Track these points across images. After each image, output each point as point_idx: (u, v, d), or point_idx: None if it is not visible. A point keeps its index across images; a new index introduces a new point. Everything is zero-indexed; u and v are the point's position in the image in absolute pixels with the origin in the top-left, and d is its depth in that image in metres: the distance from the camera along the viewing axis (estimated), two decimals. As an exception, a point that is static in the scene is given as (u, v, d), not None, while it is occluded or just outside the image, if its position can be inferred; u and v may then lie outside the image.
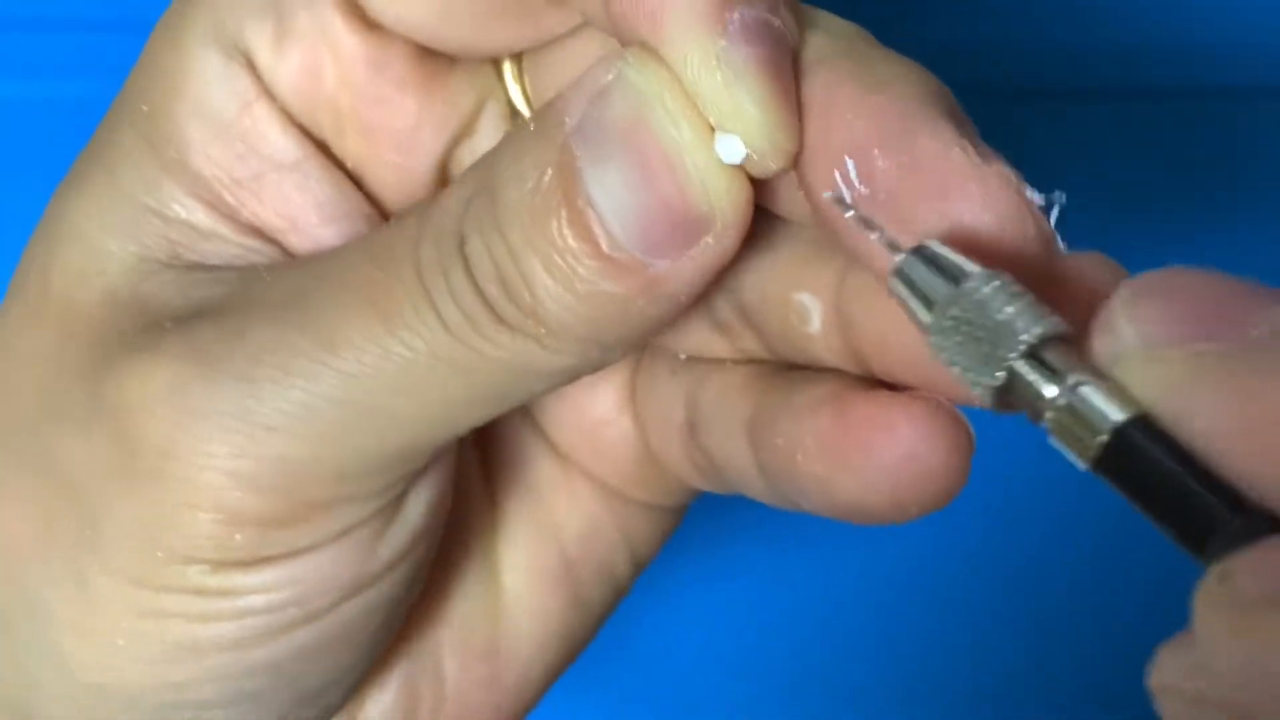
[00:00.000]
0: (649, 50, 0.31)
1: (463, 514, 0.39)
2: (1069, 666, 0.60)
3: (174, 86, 0.36)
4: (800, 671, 0.61)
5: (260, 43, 0.35)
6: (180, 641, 0.34)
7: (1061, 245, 0.30)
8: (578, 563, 0.41)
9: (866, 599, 0.61)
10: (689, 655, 0.60)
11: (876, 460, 0.32)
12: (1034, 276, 0.29)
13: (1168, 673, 0.25)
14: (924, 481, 0.32)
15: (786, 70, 0.31)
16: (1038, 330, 0.28)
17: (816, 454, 0.33)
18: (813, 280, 0.34)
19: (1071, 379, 0.27)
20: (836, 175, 0.30)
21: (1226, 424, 0.25)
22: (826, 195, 0.31)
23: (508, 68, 0.37)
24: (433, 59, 0.36)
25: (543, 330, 0.31)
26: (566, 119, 0.31)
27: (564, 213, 0.31)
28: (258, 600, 0.34)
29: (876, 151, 0.30)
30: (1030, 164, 0.57)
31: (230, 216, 0.36)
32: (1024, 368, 0.28)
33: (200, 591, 0.33)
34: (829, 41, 0.32)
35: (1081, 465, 0.27)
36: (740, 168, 0.31)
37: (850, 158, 0.30)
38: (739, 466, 0.36)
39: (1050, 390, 0.27)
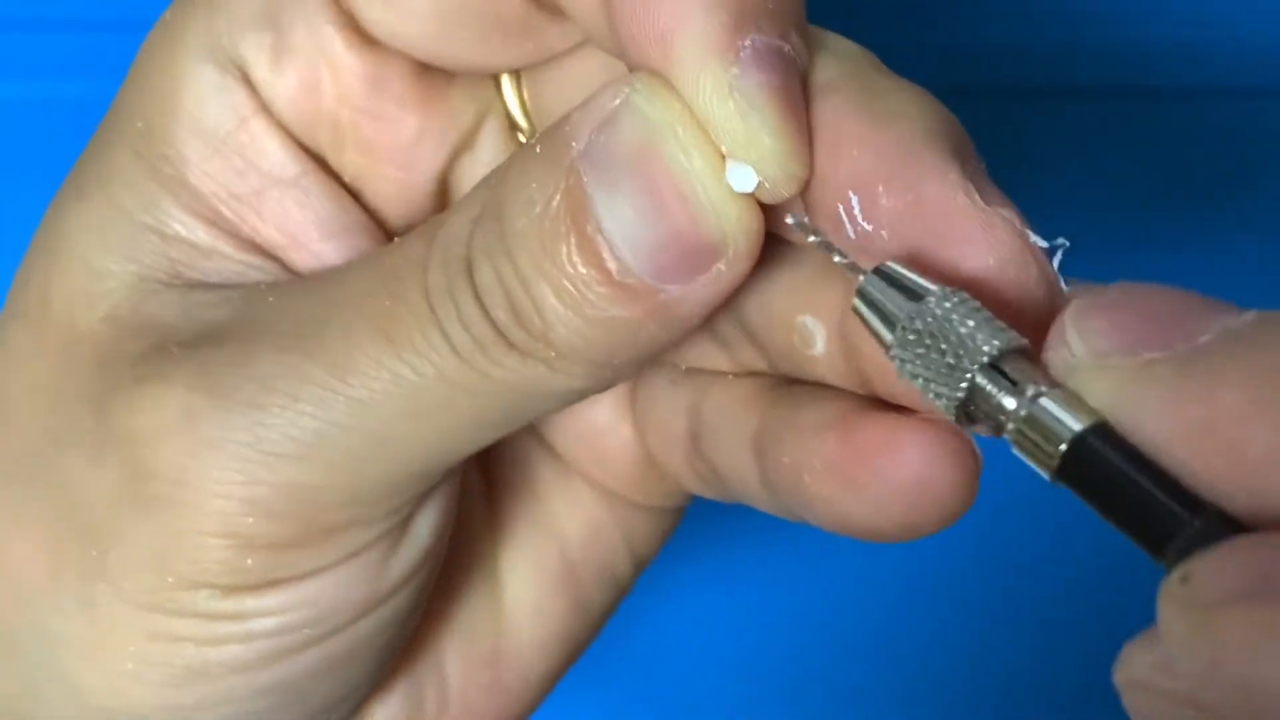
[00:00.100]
0: (658, 77, 0.31)
1: (464, 521, 0.39)
2: (1069, 667, 0.60)
3: (169, 102, 0.35)
4: (800, 672, 0.61)
5: (257, 58, 0.35)
6: (190, 665, 0.34)
7: (1065, 287, 0.30)
8: (579, 565, 0.41)
9: (866, 600, 0.61)
10: (689, 655, 0.60)
11: (886, 483, 0.32)
12: (1036, 320, 0.29)
13: (1133, 669, 0.25)
14: (934, 503, 0.32)
15: (798, 97, 0.31)
16: (997, 343, 0.28)
17: (824, 476, 0.33)
18: (817, 303, 0.34)
19: (1031, 390, 0.28)
20: (840, 209, 0.31)
21: (1176, 426, 0.26)
22: (789, 220, 0.31)
23: (506, 81, 0.37)
24: (432, 74, 0.36)
25: (553, 354, 0.31)
26: (574, 143, 0.31)
27: (573, 239, 0.30)
28: (268, 623, 0.34)
29: (881, 189, 0.30)
30: (1030, 164, 0.57)
31: (230, 233, 0.36)
32: (984, 381, 0.28)
33: (211, 615, 0.33)
34: (837, 66, 0.32)
35: (1045, 475, 0.27)
36: (751, 195, 0.31)
37: (855, 193, 0.30)
38: (743, 480, 0.36)
39: (1010, 402, 0.28)
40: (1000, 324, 0.29)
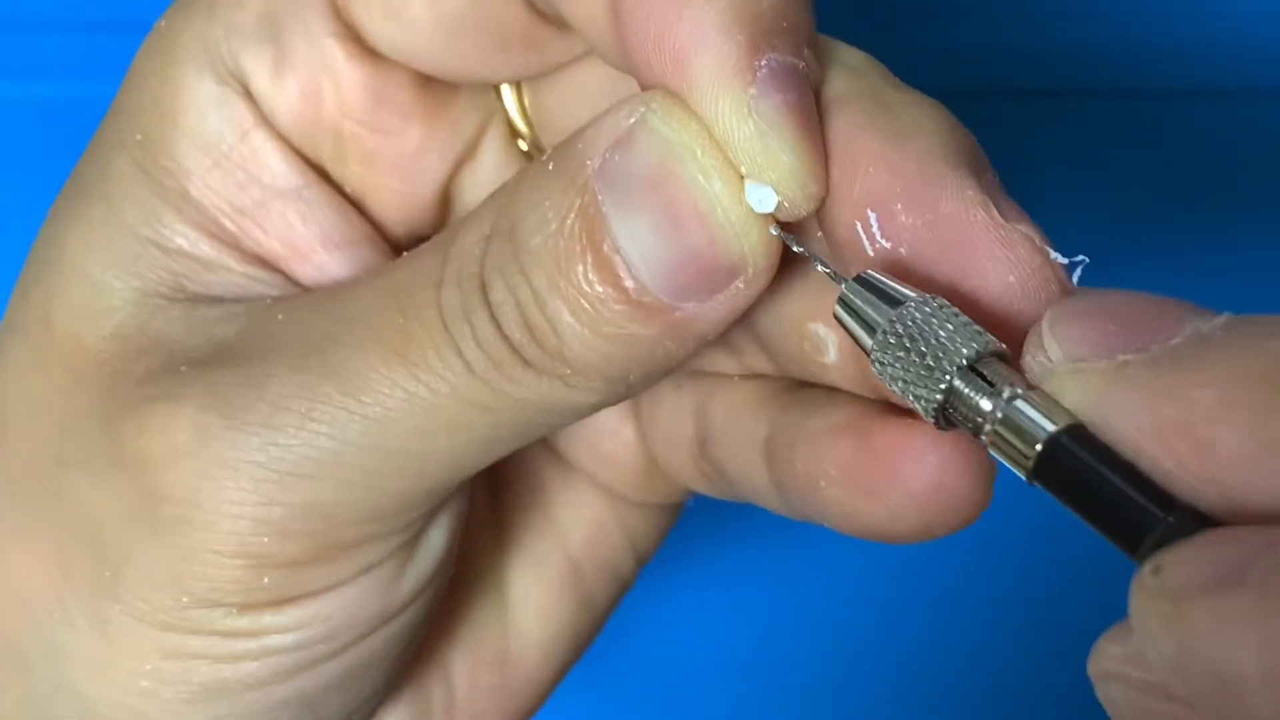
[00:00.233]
0: (672, 96, 0.30)
1: (470, 526, 0.39)
2: (1069, 667, 0.60)
3: (169, 114, 0.35)
4: (800, 672, 0.61)
5: (258, 70, 0.35)
6: (206, 682, 0.34)
7: None
8: (583, 565, 0.41)
9: (867, 599, 0.61)
10: (689, 655, 0.60)
11: (903, 489, 0.32)
12: None
13: (1106, 660, 0.26)
14: (950, 507, 0.32)
15: (814, 114, 0.31)
16: (975, 347, 0.29)
17: (840, 482, 0.33)
18: (828, 310, 0.34)
19: (1007, 392, 0.28)
20: (858, 227, 0.31)
21: (1149, 426, 0.26)
22: (771, 231, 0.31)
23: (507, 91, 0.37)
24: (434, 85, 0.36)
25: (569, 371, 0.32)
26: (588, 162, 0.31)
27: (589, 257, 0.30)
28: (284, 639, 0.34)
29: (899, 207, 0.30)
30: (1030, 164, 0.57)
31: (233, 246, 0.36)
32: (962, 383, 0.29)
33: (226, 633, 0.33)
34: (848, 79, 0.32)
35: (1022, 476, 0.28)
36: (769, 214, 0.31)
37: (873, 210, 0.30)
38: (753, 483, 0.36)
39: (987, 404, 0.28)
40: (978, 328, 0.29)
